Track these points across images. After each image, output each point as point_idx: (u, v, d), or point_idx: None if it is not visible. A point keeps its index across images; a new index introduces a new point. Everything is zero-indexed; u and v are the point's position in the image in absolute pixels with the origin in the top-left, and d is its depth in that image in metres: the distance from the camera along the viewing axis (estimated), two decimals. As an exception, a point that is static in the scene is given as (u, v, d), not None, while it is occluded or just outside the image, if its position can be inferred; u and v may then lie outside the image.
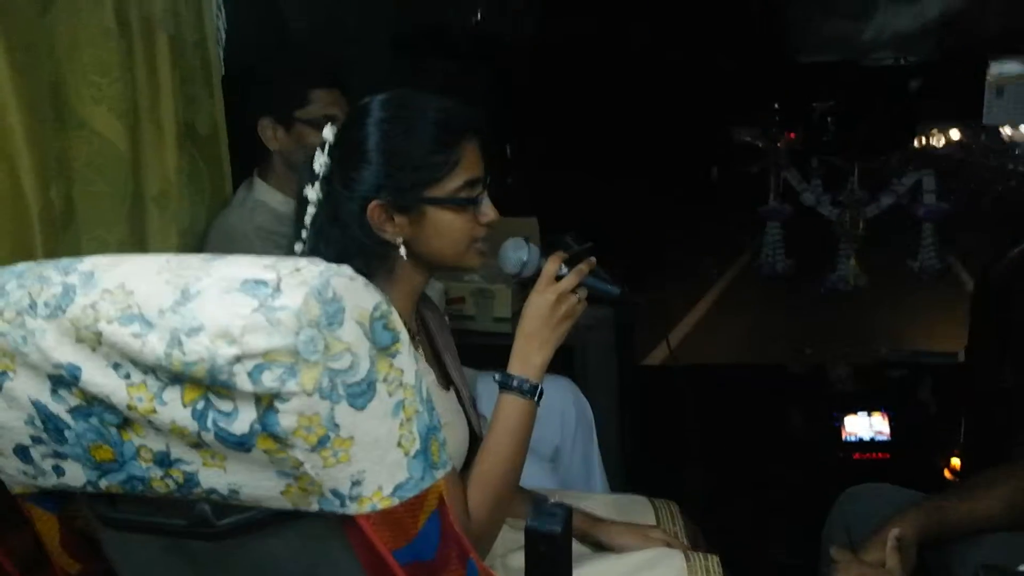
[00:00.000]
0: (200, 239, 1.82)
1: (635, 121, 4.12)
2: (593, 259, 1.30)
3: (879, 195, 3.83)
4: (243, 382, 0.71)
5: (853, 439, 2.58)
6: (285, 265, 0.75)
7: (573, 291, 1.26)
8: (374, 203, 1.20)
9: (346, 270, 0.77)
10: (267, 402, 0.72)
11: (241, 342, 0.71)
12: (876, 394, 2.68)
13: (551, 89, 3.62)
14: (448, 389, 1.34)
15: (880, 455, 2.57)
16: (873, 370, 2.86)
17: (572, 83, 3.74)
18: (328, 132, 1.24)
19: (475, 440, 1.34)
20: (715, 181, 4.32)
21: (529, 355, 1.25)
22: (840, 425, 2.60)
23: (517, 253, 1.33)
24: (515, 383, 1.25)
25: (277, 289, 0.72)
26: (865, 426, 2.60)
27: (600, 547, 1.47)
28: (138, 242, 1.61)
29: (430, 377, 1.29)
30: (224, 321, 0.71)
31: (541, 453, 1.98)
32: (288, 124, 1.83)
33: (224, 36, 1.97)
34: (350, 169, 1.21)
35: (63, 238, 1.40)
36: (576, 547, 1.45)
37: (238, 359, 0.71)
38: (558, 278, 1.27)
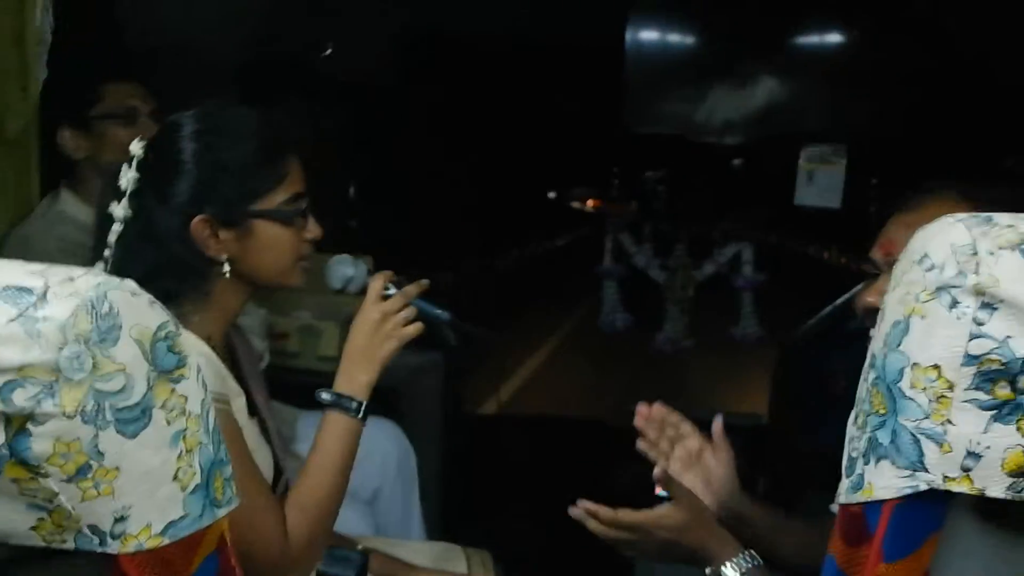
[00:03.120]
0: None
1: (478, 174, 4.20)
2: (424, 281, 1.31)
3: (703, 262, 4.05)
4: (-10, 400, 0.63)
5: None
6: (56, 273, 0.68)
7: (400, 313, 1.27)
8: (198, 218, 1.16)
9: (129, 284, 0.70)
10: (18, 424, 0.64)
11: None
12: None
13: (395, 134, 3.63)
14: (252, 418, 1.29)
15: None
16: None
17: (416, 130, 3.77)
18: (136, 146, 1.18)
19: (278, 472, 1.29)
20: (553, 239, 4.44)
21: (354, 373, 1.25)
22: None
23: (343, 268, 1.34)
24: (340, 400, 1.23)
25: (43, 298, 0.65)
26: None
27: (409, 594, 1.45)
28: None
29: (240, 403, 1.24)
30: (-27, 329, 0.63)
31: (360, 496, 1.93)
32: (85, 126, 1.76)
33: (50, 37, 1.86)
34: (166, 183, 1.17)
35: None
36: (385, 594, 1.41)
37: (-15, 373, 0.63)
38: (385, 299, 1.27)
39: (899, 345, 0.69)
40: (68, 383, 0.64)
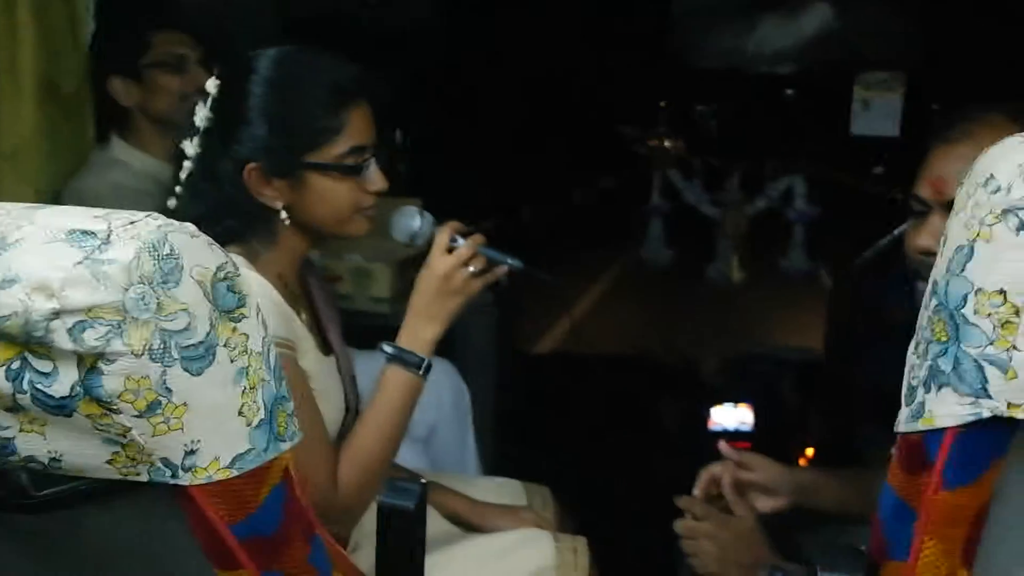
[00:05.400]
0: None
1: (524, 115, 4.15)
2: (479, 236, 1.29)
3: (754, 197, 3.98)
4: (62, 340, 0.65)
5: (718, 429, 2.66)
6: (118, 217, 0.69)
7: (468, 266, 1.25)
8: (250, 166, 1.17)
9: (188, 226, 0.72)
10: (90, 363, 0.66)
11: (61, 296, 0.65)
12: (741, 386, 2.77)
13: (443, 78, 3.60)
14: (328, 355, 1.31)
15: (743, 445, 2.66)
16: (739, 363, 2.96)
17: (463, 73, 3.74)
18: (211, 84, 1.19)
19: (349, 411, 1.32)
20: (601, 177, 4.40)
21: (419, 329, 1.24)
22: (707, 415, 2.68)
23: (409, 221, 1.31)
24: (402, 355, 1.22)
25: (107, 241, 0.67)
26: (730, 417, 2.68)
27: (472, 528, 1.48)
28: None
29: (310, 343, 1.26)
30: (43, 273, 0.65)
31: (415, 434, 1.97)
32: (135, 75, 1.80)
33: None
34: (229, 126, 1.19)
35: None
36: (447, 528, 1.45)
37: (56, 314, 0.65)
38: (451, 251, 1.25)
39: (963, 271, 0.67)
40: (135, 323, 0.66)
